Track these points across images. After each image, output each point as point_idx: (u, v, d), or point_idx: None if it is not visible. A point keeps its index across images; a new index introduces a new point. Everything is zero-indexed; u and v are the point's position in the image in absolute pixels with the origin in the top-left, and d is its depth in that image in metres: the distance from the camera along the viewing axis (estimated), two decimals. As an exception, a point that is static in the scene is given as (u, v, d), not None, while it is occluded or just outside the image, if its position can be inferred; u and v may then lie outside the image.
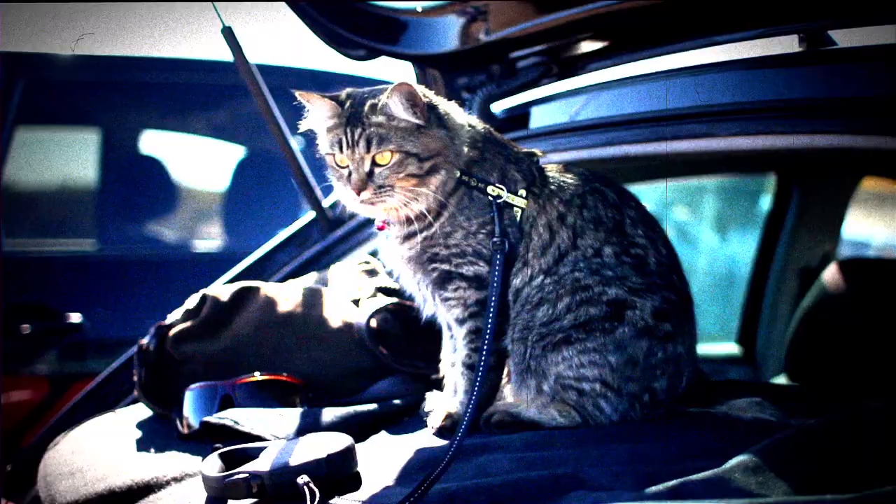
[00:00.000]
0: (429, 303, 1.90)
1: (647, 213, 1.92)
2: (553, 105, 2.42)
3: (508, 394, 1.87)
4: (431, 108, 1.81)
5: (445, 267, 1.84)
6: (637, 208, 1.90)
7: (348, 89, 1.86)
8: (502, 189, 1.82)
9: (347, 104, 1.81)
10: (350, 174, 1.79)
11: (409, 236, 1.84)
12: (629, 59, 2.35)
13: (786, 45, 2.04)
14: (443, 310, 1.88)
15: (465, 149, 1.82)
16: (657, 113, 2.12)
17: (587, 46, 2.42)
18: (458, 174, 1.81)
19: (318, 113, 1.85)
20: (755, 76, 2.03)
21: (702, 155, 2.26)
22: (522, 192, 1.85)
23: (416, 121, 1.77)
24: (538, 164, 1.90)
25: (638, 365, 1.78)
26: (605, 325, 1.77)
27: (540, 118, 2.43)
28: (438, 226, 1.82)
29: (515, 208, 1.83)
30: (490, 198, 1.81)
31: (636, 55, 2.34)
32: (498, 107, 2.56)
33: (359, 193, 1.78)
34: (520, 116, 2.48)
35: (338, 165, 1.82)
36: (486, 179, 1.83)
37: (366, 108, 1.78)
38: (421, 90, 1.80)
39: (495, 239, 1.79)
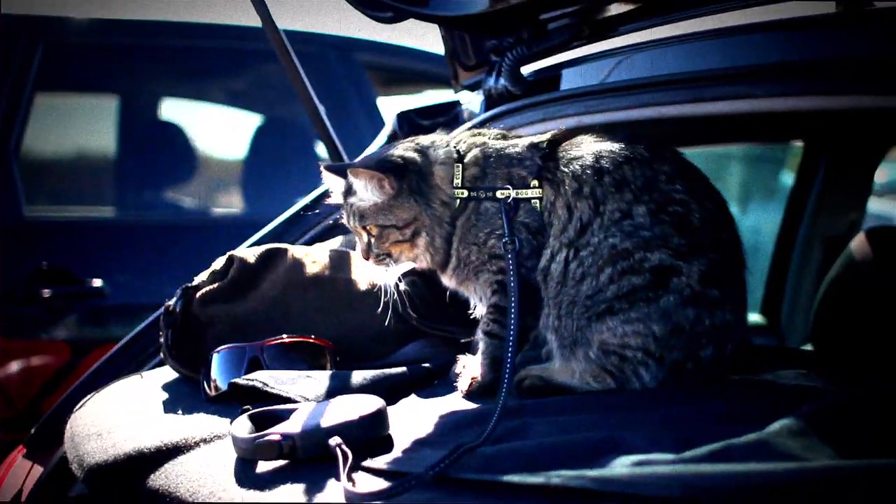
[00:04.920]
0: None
1: (688, 165, 1.86)
2: (585, 67, 2.37)
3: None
4: (402, 174, 1.86)
5: (476, 267, 1.91)
6: (673, 161, 1.83)
7: (359, 159, 2.01)
8: (509, 189, 1.85)
9: (348, 178, 1.91)
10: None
11: (442, 268, 1.93)
12: (661, 21, 2.30)
13: (822, 7, 2.00)
14: (480, 293, 1.94)
15: (457, 181, 1.89)
16: (690, 74, 2.08)
17: (618, 7, 2.37)
18: (466, 193, 1.88)
19: (331, 185, 1.98)
20: (791, 37, 2.00)
21: (734, 118, 2.22)
22: (534, 182, 1.84)
23: (383, 197, 1.86)
24: (546, 150, 1.88)
25: (683, 333, 1.74)
26: (649, 294, 1.73)
27: (571, 80, 2.39)
28: (455, 254, 1.90)
29: (533, 201, 1.84)
30: (500, 201, 1.85)
31: (668, 17, 2.29)
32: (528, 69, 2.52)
33: (366, 259, 1.91)
34: (551, 79, 2.44)
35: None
36: (493, 187, 1.87)
37: (353, 184, 1.89)
38: (391, 156, 1.89)
39: (505, 239, 1.82)
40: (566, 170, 1.83)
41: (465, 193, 1.87)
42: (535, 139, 1.92)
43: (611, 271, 1.75)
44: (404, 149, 1.92)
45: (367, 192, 1.87)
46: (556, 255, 1.80)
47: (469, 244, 1.88)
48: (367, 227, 1.89)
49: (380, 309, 1.96)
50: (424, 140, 1.95)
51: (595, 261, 1.76)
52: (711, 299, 1.75)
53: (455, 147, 1.92)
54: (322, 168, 1.97)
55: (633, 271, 1.74)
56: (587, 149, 1.84)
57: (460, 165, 1.89)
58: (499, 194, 1.85)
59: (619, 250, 1.75)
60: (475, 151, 1.91)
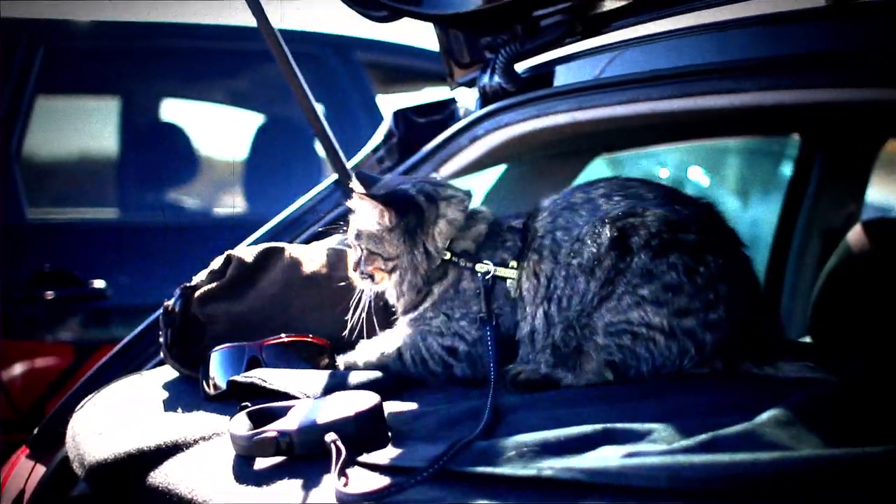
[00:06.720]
0: None
1: (623, 180, 1.90)
2: (577, 63, 2.39)
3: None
4: (403, 212, 1.93)
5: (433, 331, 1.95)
6: (607, 184, 1.89)
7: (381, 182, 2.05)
8: (489, 264, 1.90)
9: (354, 200, 1.98)
10: None
11: (406, 312, 1.99)
12: (654, 16, 2.31)
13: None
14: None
15: (446, 242, 1.94)
16: (682, 69, 2.10)
17: (611, 3, 2.39)
18: (449, 256, 1.93)
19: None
20: (784, 31, 2.01)
21: (727, 112, 2.22)
22: (513, 263, 1.89)
23: (378, 227, 1.94)
24: (529, 228, 1.92)
25: (682, 290, 1.73)
26: (620, 265, 1.75)
27: (564, 76, 2.41)
28: (422, 309, 1.96)
29: (508, 281, 1.89)
30: (479, 274, 1.90)
31: (661, 12, 2.30)
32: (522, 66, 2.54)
33: (353, 272, 2.02)
34: (545, 75, 2.45)
35: None
36: (476, 257, 1.92)
37: (359, 206, 1.97)
38: (403, 191, 1.96)
39: (481, 315, 1.88)
40: (533, 246, 1.88)
41: (448, 255, 1.93)
42: (515, 222, 1.96)
43: (585, 276, 1.79)
44: (418, 189, 1.97)
45: (367, 218, 1.94)
46: (535, 314, 1.85)
47: (440, 312, 1.93)
48: (361, 247, 1.98)
49: (377, 306, 1.98)
50: (442, 189, 2.00)
51: (570, 281, 1.80)
52: (690, 244, 1.75)
53: (467, 212, 1.98)
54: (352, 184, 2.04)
55: (598, 261, 1.77)
56: (544, 218, 1.90)
57: (456, 231, 1.95)
58: (479, 267, 1.90)
59: (584, 259, 1.79)
60: (481, 228, 1.96)
